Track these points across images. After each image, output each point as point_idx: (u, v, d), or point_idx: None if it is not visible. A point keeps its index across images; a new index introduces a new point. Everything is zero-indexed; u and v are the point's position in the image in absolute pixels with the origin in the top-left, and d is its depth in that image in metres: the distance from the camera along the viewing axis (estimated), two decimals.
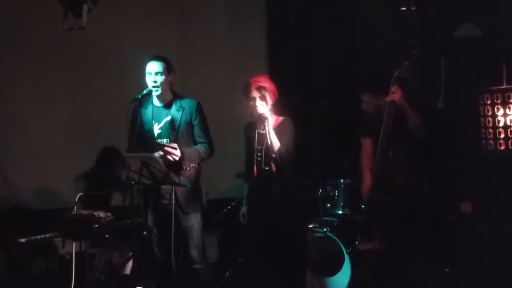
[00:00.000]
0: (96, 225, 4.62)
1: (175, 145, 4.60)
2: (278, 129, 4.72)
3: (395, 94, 4.78)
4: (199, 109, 4.84)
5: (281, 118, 4.81)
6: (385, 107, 4.86)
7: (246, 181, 4.97)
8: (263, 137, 4.68)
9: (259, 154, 4.67)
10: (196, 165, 4.76)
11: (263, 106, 4.67)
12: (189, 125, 4.81)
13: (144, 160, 4.43)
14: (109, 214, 4.76)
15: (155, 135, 4.79)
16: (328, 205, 5.80)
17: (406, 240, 4.79)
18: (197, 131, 4.82)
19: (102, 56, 6.42)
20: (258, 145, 4.70)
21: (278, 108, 4.84)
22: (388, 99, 4.84)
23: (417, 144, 4.89)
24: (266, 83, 4.72)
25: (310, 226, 5.61)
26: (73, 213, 4.89)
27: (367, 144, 5.09)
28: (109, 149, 5.78)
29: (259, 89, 4.70)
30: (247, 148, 4.86)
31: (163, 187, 4.68)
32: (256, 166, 4.68)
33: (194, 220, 4.81)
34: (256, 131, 4.75)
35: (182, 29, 6.75)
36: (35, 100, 6.32)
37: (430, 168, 5.13)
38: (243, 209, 4.94)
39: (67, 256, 5.18)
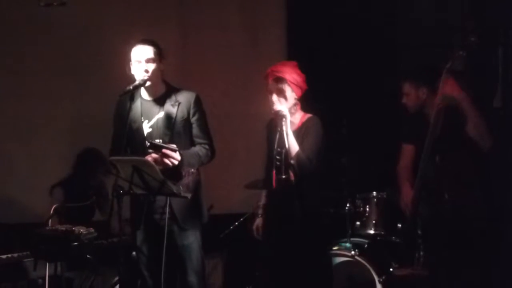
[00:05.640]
0: (76, 243, 4.58)
1: (174, 146, 4.47)
2: (301, 130, 4.64)
3: (448, 86, 4.56)
4: (198, 103, 4.73)
5: (306, 116, 4.70)
6: (432, 106, 4.65)
7: (264, 188, 4.94)
8: (284, 138, 4.63)
9: (278, 157, 4.56)
10: (195, 172, 4.66)
11: (281, 102, 4.60)
12: (186, 122, 4.69)
13: (136, 164, 4.31)
14: (92, 230, 4.72)
15: (145, 134, 4.67)
16: (358, 223, 5.70)
17: (449, 267, 4.60)
18: (195, 130, 4.72)
19: (85, 40, 6.37)
20: (278, 147, 4.60)
21: (304, 104, 4.72)
22: (440, 92, 4.59)
23: (473, 154, 4.68)
24: (287, 74, 4.61)
25: (335, 248, 5.56)
26: (48, 228, 4.85)
27: (408, 150, 4.95)
28: (90, 152, 5.80)
29: (277, 81, 4.61)
30: (268, 150, 4.77)
31: (156, 198, 4.57)
32: (275, 172, 4.60)
33: (193, 239, 4.67)
34: (278, 130, 4.66)
35: (183, 8, 6.71)
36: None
37: (486, 184, 4.90)
38: (258, 221, 4.95)
39: (40, 281, 5.17)
